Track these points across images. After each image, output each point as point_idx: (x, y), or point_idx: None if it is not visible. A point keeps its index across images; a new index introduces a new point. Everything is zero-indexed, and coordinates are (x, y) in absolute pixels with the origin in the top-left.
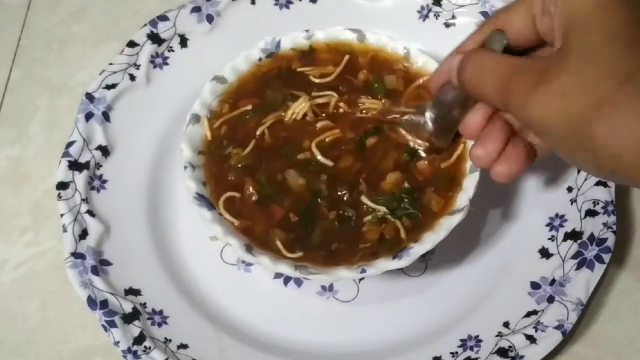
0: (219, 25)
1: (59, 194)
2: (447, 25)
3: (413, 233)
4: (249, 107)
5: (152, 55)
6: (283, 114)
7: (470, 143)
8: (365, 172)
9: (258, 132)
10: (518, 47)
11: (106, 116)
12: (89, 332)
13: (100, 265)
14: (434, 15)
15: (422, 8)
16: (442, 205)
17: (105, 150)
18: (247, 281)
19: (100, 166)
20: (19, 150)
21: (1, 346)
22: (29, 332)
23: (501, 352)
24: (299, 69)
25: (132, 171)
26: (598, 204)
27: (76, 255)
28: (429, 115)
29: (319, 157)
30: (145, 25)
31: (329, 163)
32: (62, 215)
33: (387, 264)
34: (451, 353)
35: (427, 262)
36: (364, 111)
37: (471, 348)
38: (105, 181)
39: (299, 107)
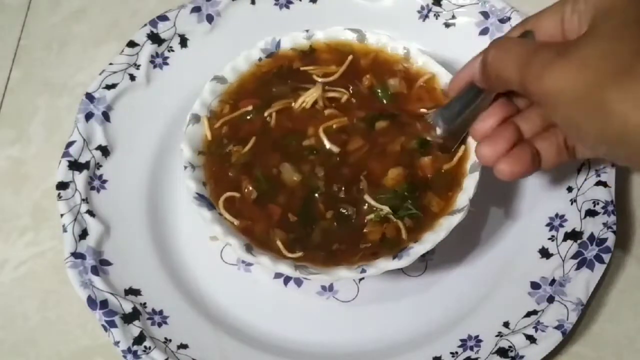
0: (219, 25)
1: (59, 194)
2: (447, 25)
3: (413, 233)
4: (250, 107)
5: (152, 55)
6: (293, 103)
7: (471, 144)
8: (369, 159)
9: (266, 114)
10: None
11: (106, 116)
12: (89, 332)
13: (100, 265)
14: (434, 15)
15: (422, 8)
16: (442, 205)
17: (105, 150)
18: (247, 281)
19: (100, 166)
20: (19, 150)
21: (1, 346)
22: (29, 332)
23: (501, 352)
24: (302, 68)
25: (132, 171)
26: (598, 204)
27: (76, 255)
28: (441, 115)
29: (326, 142)
30: (145, 25)
31: (335, 149)
32: (62, 215)
33: (387, 264)
34: (451, 353)
35: (427, 262)
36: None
37: (471, 348)
38: (105, 181)
39: (311, 96)
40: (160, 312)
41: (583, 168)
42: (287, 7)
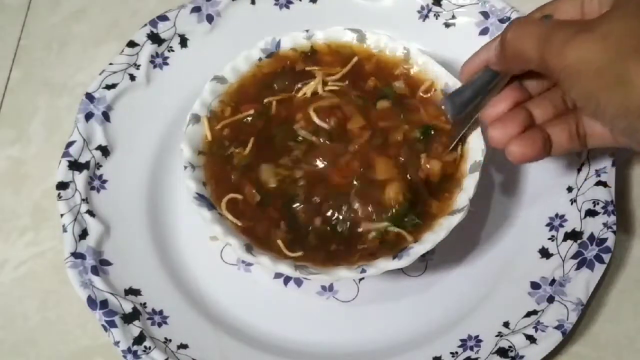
0: (219, 25)
1: (59, 194)
2: (447, 25)
3: (413, 233)
4: (251, 111)
5: (152, 55)
6: (295, 94)
7: (470, 144)
8: (369, 152)
9: (265, 101)
10: None
11: (106, 116)
12: (89, 332)
13: (100, 265)
14: (434, 15)
15: (422, 8)
16: (442, 205)
17: (105, 150)
18: (247, 281)
19: (100, 166)
20: (19, 150)
21: (1, 346)
22: (29, 332)
23: (501, 352)
24: (307, 68)
25: (132, 171)
26: (598, 204)
27: (76, 255)
28: (452, 100)
29: (315, 119)
30: (145, 25)
31: (325, 125)
32: (62, 215)
33: (387, 264)
34: (451, 353)
35: (427, 262)
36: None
37: (471, 348)
38: (105, 181)
39: (312, 86)
40: (160, 312)
41: (583, 168)
42: (287, 7)
